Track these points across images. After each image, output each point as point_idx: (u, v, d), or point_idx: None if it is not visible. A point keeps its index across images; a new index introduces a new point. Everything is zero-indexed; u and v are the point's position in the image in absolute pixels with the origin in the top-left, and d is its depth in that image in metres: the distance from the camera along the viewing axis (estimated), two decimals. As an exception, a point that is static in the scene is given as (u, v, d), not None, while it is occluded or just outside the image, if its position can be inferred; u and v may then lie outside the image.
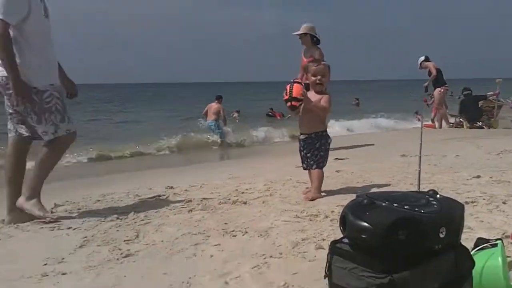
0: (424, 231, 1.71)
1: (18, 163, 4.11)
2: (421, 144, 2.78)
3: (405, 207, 1.76)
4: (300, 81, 4.56)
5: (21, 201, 4.01)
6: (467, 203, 3.80)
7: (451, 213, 1.82)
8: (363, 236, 1.73)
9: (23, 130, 4.07)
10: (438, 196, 1.90)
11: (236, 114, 25.60)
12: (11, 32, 3.80)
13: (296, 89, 4.37)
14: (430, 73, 13.09)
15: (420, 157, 2.66)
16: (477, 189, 4.30)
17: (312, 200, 4.27)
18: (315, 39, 8.42)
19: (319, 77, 4.46)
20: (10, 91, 3.85)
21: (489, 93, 13.79)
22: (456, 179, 4.84)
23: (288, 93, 4.41)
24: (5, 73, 3.84)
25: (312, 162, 4.51)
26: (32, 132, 4.06)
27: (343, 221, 1.83)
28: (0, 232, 3.74)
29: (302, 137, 4.61)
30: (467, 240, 2.73)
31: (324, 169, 4.51)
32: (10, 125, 4.10)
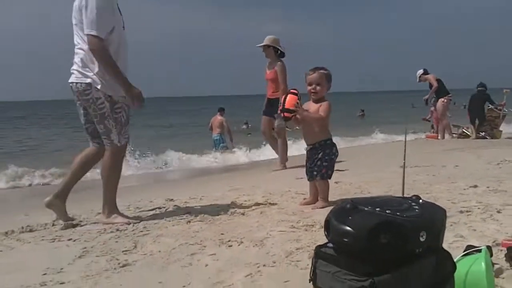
0: (404, 234, 1.76)
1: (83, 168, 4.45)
2: (405, 151, 2.82)
3: (387, 211, 1.81)
4: (296, 91, 4.56)
5: (103, 219, 4.31)
6: (461, 212, 3.84)
7: (432, 217, 1.87)
8: (346, 239, 1.79)
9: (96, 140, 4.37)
10: (420, 201, 1.95)
11: (244, 126, 25.76)
12: None
13: (290, 100, 4.40)
14: (431, 86, 13.10)
15: (404, 163, 2.71)
16: (473, 199, 4.33)
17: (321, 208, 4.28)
18: (279, 51, 8.28)
19: (313, 86, 4.44)
20: (88, 97, 4.09)
21: (495, 104, 13.73)
22: (453, 189, 4.87)
23: (282, 104, 4.47)
24: (85, 80, 4.07)
25: (315, 172, 4.47)
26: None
27: (327, 226, 1.89)
28: (2, 244, 3.81)
29: (307, 148, 4.59)
30: (458, 248, 2.79)
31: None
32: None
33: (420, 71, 13.30)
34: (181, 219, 4.24)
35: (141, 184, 9.22)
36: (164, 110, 59.62)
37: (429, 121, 15.08)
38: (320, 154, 4.44)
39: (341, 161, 8.18)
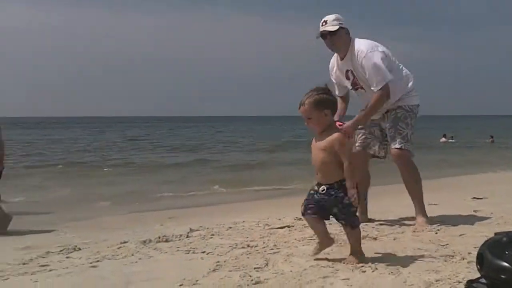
0: None
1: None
2: None
3: (549, 248, 1.64)
4: None
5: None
6: None
7: None
8: (503, 276, 1.64)
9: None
10: None
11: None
12: None
13: None
14: None
15: None
16: None
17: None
18: None
19: (305, 122, 3.49)
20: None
21: None
22: None
23: None
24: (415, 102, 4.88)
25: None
26: None
27: (480, 260, 1.75)
28: (140, 252, 4.02)
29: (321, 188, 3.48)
30: None
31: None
32: None
33: None
34: (311, 239, 4.19)
35: (268, 199, 9.43)
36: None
37: None
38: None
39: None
